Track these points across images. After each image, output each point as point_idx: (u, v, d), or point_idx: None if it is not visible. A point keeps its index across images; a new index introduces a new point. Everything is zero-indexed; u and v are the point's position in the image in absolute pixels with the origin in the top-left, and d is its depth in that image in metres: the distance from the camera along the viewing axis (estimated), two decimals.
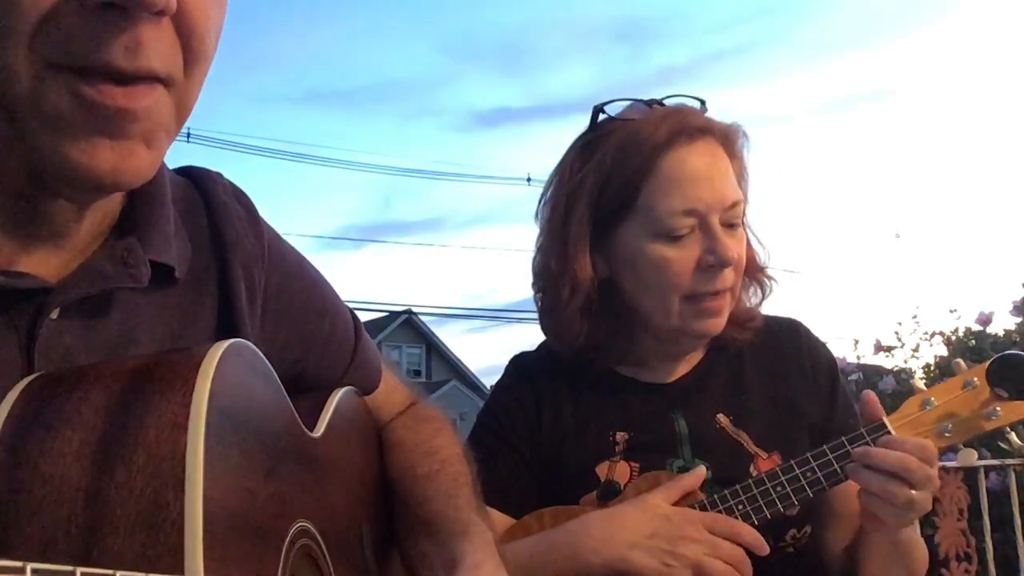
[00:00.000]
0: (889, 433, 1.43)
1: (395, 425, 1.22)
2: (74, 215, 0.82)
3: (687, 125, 1.53)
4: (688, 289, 1.50)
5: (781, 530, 1.50)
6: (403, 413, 1.25)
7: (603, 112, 1.59)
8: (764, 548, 1.41)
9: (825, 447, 1.44)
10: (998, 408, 1.44)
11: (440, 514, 1.08)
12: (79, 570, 0.52)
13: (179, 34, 0.76)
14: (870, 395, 1.49)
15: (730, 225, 1.53)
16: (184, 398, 0.69)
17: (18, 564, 0.49)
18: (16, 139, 0.74)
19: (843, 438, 1.44)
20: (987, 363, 1.47)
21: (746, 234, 1.60)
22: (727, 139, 1.57)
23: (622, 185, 1.52)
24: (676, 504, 1.44)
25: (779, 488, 1.42)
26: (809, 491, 1.43)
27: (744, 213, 1.60)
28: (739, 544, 1.40)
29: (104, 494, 0.64)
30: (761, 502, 1.42)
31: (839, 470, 1.42)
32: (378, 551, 1.09)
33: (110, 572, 0.54)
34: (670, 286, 1.51)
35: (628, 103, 1.60)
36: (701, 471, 1.48)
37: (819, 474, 1.43)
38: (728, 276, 1.51)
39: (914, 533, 1.51)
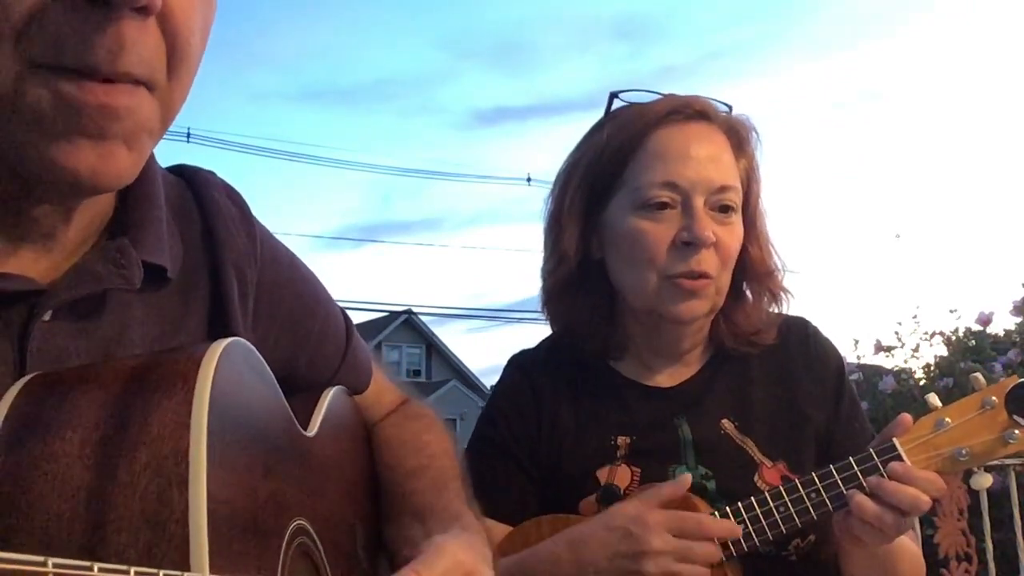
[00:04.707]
0: (899, 456, 1.38)
1: (385, 424, 1.22)
2: (61, 217, 0.81)
3: (686, 106, 1.52)
4: (663, 266, 1.47)
5: (785, 540, 1.46)
6: (394, 412, 1.25)
7: (617, 98, 1.60)
8: (736, 531, 1.38)
9: (832, 467, 1.39)
10: (1016, 432, 1.39)
11: (429, 505, 1.08)
12: (97, 566, 0.53)
13: (164, 35, 0.76)
14: (906, 420, 1.42)
15: (721, 210, 1.49)
16: (185, 396, 0.69)
17: (40, 559, 0.50)
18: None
19: (851, 458, 1.39)
20: (1009, 386, 1.41)
21: (761, 234, 1.58)
22: (731, 129, 1.55)
23: (612, 158, 1.53)
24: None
25: (783, 509, 1.39)
26: (813, 513, 1.39)
27: (757, 213, 1.58)
28: (711, 539, 1.36)
29: (107, 492, 0.64)
30: (764, 523, 1.40)
31: (845, 493, 1.38)
32: (370, 550, 1.09)
33: (125, 568, 0.55)
34: (645, 260, 1.48)
35: (647, 94, 1.58)
36: (686, 479, 1.42)
37: (825, 496, 1.39)
38: (706, 259, 1.46)
39: (905, 540, 1.45)
